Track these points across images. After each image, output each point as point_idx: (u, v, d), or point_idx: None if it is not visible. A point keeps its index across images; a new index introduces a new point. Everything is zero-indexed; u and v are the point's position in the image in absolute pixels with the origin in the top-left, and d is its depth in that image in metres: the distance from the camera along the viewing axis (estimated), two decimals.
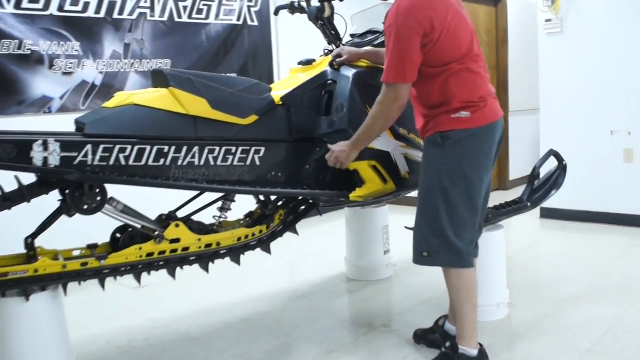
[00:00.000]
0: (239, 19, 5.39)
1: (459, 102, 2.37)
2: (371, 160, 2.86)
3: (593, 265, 4.05)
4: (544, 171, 3.40)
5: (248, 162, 2.69)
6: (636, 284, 3.63)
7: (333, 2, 3.12)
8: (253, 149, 2.70)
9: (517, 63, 7.06)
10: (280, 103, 2.82)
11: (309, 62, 3.12)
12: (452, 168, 2.40)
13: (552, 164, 3.39)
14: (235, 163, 2.65)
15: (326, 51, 3.24)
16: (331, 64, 2.92)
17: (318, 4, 3.12)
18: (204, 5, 5.10)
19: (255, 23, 5.53)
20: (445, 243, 2.43)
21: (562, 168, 3.44)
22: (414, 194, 3.16)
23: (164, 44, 4.84)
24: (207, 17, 5.13)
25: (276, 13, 3.40)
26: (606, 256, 4.25)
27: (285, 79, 3.11)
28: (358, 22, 3.43)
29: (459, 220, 2.42)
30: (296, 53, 5.48)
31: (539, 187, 3.45)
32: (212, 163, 2.58)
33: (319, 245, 4.95)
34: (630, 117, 5.03)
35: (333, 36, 3.19)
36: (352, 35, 3.38)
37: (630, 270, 3.93)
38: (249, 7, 5.45)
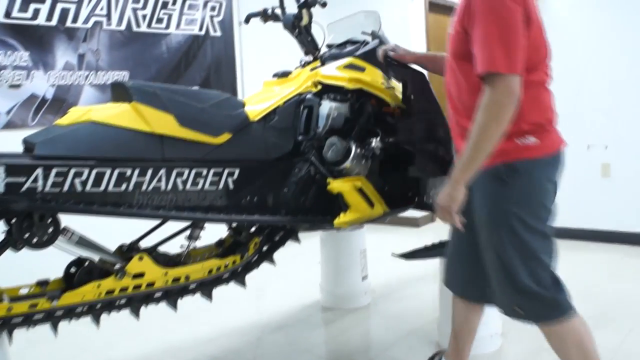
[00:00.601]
0: (200, 29, 5.10)
1: (528, 123, 1.90)
2: (356, 181, 2.59)
3: (579, 287, 3.82)
4: None
5: (221, 186, 2.40)
6: (630, 307, 3.44)
7: (312, 9, 2.86)
8: (226, 170, 2.42)
9: None
10: (256, 119, 2.54)
11: (284, 74, 2.86)
12: (523, 208, 1.92)
13: None
14: (207, 187, 2.37)
15: (303, 62, 2.98)
16: (387, 58, 2.64)
17: (294, 11, 2.86)
18: (164, 14, 4.79)
19: (218, 33, 5.24)
20: (535, 298, 1.95)
21: None
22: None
23: (121, 54, 4.51)
24: (167, 27, 4.83)
25: (247, 21, 3.12)
26: (591, 276, 4.08)
27: (259, 93, 2.84)
28: (335, 32, 3.18)
29: (541, 267, 1.95)
30: (261, 65, 5.30)
31: None
32: (180, 187, 2.29)
33: (290, 268, 4.64)
34: (607, 131, 4.89)
35: (311, 45, 2.92)
36: (329, 46, 3.12)
37: (619, 291, 3.75)
38: (211, 16, 5.16)
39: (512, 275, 1.95)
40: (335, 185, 2.56)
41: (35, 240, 2.06)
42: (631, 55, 4.76)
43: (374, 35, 3.04)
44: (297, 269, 4.63)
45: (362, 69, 2.80)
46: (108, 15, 4.41)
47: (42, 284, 2.31)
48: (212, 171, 2.38)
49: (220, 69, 5.25)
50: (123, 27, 4.52)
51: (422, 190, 2.88)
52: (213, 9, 5.17)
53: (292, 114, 2.67)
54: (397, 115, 2.85)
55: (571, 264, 4.31)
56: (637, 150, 4.81)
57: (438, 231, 4.81)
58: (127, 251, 2.44)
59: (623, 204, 4.85)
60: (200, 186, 2.35)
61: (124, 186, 2.14)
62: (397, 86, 2.93)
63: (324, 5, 2.75)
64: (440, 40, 6.13)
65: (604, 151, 4.93)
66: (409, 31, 5.92)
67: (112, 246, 2.39)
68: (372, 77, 2.80)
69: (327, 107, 2.64)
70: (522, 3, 1.79)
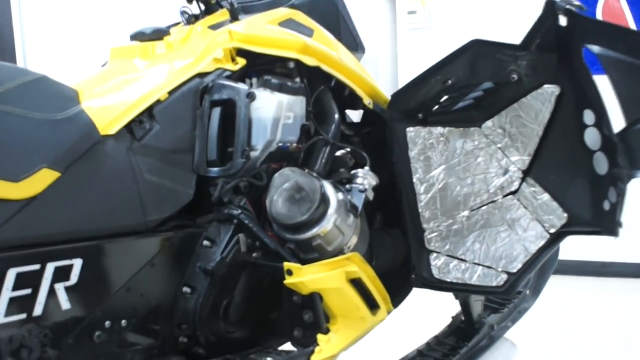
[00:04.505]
0: None
1: None
2: (349, 264, 1.25)
3: None
4: None
5: (38, 311, 0.96)
6: None
7: None
8: (51, 267, 0.97)
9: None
10: (111, 132, 1.08)
11: (157, 35, 1.39)
12: None
13: None
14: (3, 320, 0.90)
15: (187, 15, 1.53)
16: None
17: None
18: None
19: None
20: None
21: None
22: None
23: None
24: None
25: None
26: None
27: (106, 73, 1.37)
28: None
29: None
30: (54, 28, 3.80)
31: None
32: None
33: None
34: None
35: None
36: None
37: None
38: None
39: None
40: (310, 279, 1.18)
41: None
42: None
43: None
44: None
45: (308, 31, 1.48)
46: None
47: None
48: (13, 273, 0.93)
49: None
50: None
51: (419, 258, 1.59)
52: None
53: (189, 118, 1.26)
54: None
55: None
56: None
57: None
58: None
59: None
60: None
61: None
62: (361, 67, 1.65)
63: None
64: None
65: None
66: None
67: None
68: (328, 48, 1.48)
69: (272, 103, 1.25)
70: None
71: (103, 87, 1.25)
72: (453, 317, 1.88)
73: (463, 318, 1.84)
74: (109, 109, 1.16)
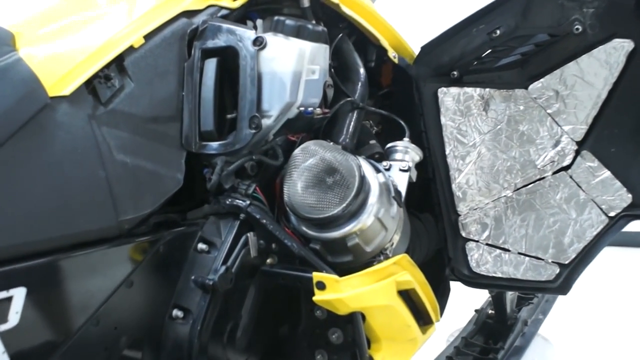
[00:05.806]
0: None
1: None
2: (399, 271, 0.96)
3: None
4: None
5: None
6: None
7: None
8: None
9: None
10: (65, 92, 0.78)
11: None
12: None
13: None
14: None
15: None
16: None
17: None
18: None
19: None
20: None
21: None
22: None
23: None
24: None
25: None
26: None
27: (56, 9, 1.03)
28: None
29: None
30: None
31: None
32: None
33: None
34: None
35: None
36: None
37: None
38: None
39: None
40: (352, 295, 0.87)
41: None
42: None
43: None
44: None
45: None
46: None
47: None
48: None
49: None
50: None
51: (454, 248, 1.32)
52: None
53: (174, 73, 0.94)
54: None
55: None
56: None
57: None
58: None
59: None
60: None
61: None
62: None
63: None
64: None
65: None
66: None
67: None
68: None
69: (290, 52, 0.93)
70: None
71: (50, 27, 0.91)
72: (477, 311, 1.61)
73: (490, 312, 1.58)
74: (60, 58, 0.82)
